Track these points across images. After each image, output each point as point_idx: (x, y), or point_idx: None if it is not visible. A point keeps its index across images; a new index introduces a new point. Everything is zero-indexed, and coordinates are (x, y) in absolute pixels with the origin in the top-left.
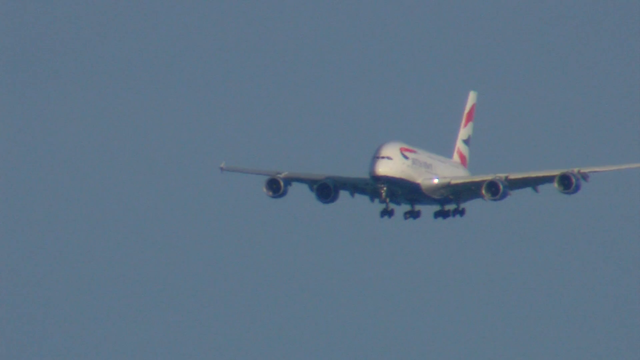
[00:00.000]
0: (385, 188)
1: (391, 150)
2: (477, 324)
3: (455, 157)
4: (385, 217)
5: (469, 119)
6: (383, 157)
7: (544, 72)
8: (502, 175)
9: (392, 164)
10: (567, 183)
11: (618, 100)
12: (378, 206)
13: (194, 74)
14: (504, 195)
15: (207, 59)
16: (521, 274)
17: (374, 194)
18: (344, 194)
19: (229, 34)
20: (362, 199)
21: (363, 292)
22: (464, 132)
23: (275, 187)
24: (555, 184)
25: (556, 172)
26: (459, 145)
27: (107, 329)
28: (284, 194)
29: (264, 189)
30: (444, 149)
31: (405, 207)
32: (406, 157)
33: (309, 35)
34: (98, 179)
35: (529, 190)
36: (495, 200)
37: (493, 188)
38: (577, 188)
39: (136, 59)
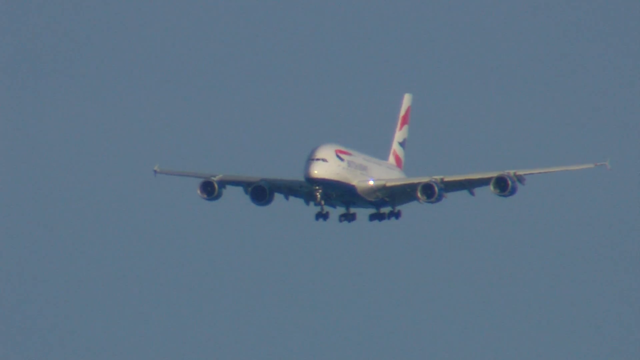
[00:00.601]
0: (320, 190)
1: (326, 152)
2: (410, 325)
3: (391, 159)
4: (320, 220)
5: (404, 121)
6: (318, 159)
7: (480, 74)
8: (438, 177)
9: (327, 166)
10: (503, 185)
11: (555, 102)
12: (313, 209)
13: (124, 75)
14: (440, 197)
15: (138, 61)
16: (456, 276)
17: (309, 197)
18: (279, 197)
19: (159, 35)
20: (297, 202)
21: (298, 294)
22: (399, 134)
23: (210, 189)
24: (491, 187)
25: (492, 174)
26: (395, 147)
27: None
28: (218, 196)
29: (198, 192)
30: (380, 152)
31: (341, 210)
32: (341, 159)
33: (244, 35)
34: (30, 182)
35: (465, 192)
36: (430, 202)
37: (428, 190)
38: (513, 190)
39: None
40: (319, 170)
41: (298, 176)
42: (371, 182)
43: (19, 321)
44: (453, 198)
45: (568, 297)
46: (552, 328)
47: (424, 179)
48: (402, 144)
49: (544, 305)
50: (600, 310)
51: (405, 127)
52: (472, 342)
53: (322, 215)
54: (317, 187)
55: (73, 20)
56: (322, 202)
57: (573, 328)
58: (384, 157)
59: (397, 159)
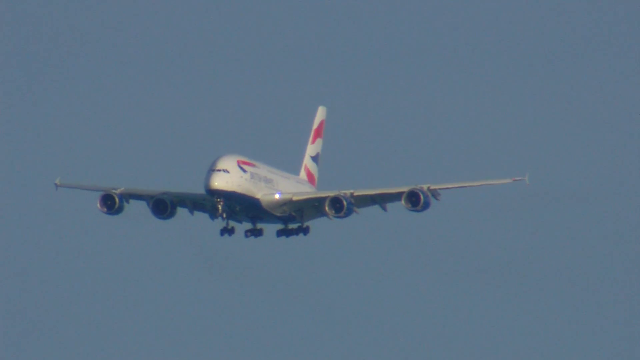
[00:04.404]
0: (222, 203)
1: (228, 162)
2: (316, 343)
3: (302, 174)
4: (226, 235)
5: (317, 134)
6: (219, 170)
7: (398, 86)
8: (347, 191)
9: (229, 177)
10: (415, 200)
11: (474, 114)
12: (219, 224)
13: (28, 84)
14: (349, 212)
15: (42, 67)
16: (365, 292)
17: (214, 211)
18: (184, 212)
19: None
20: (203, 217)
21: (200, 310)
22: (311, 148)
23: (110, 203)
24: (403, 202)
25: (404, 188)
26: (307, 162)
27: None
28: (119, 210)
29: (98, 205)
30: (291, 166)
31: (247, 226)
32: (244, 171)
33: (149, 39)
34: None
35: (377, 208)
36: (339, 217)
37: (337, 204)
38: (426, 205)
39: None
40: (219, 182)
41: (203, 190)
42: (277, 196)
43: None
44: (364, 213)
45: (481, 313)
46: (463, 341)
47: (332, 193)
48: (314, 159)
49: (457, 321)
50: (503, 327)
51: (319, 140)
52: (382, 357)
53: (227, 231)
54: (218, 199)
55: None
56: (224, 216)
57: (477, 340)
58: (295, 172)
59: (309, 174)
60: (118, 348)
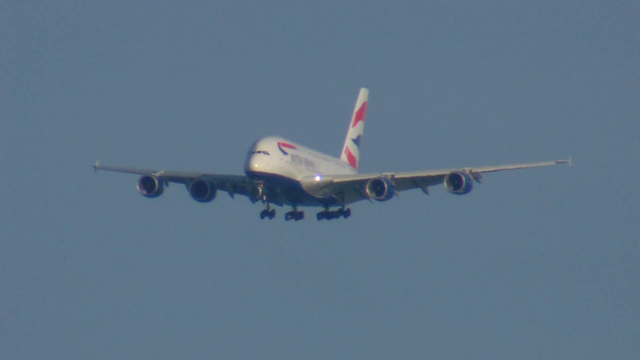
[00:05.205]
0: (262, 185)
1: (268, 144)
2: (359, 327)
3: (344, 157)
4: (266, 218)
5: (359, 117)
6: (259, 152)
7: (439, 68)
8: (389, 174)
9: (269, 159)
10: (457, 183)
11: (516, 99)
12: (259, 207)
13: (64, 72)
14: (390, 195)
15: (77, 56)
16: (406, 276)
17: (254, 194)
18: (224, 195)
19: (89, 32)
20: (243, 200)
21: (241, 293)
22: (353, 131)
23: (150, 185)
24: (445, 184)
25: (446, 171)
26: (348, 144)
27: None
28: (159, 192)
29: (138, 188)
30: (332, 149)
31: (288, 208)
32: (284, 153)
33: (190, 28)
34: None
35: (419, 191)
36: (380, 200)
37: (378, 187)
38: (468, 188)
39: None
40: (259, 164)
41: (243, 172)
42: (317, 178)
43: None
44: (405, 196)
45: (520, 298)
46: (504, 328)
47: (373, 175)
48: (356, 141)
49: (497, 305)
50: (552, 311)
51: (360, 123)
52: (414, 343)
53: (267, 214)
54: (258, 182)
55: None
56: (264, 198)
57: (519, 328)
58: (337, 154)
59: (350, 157)
60: (161, 330)
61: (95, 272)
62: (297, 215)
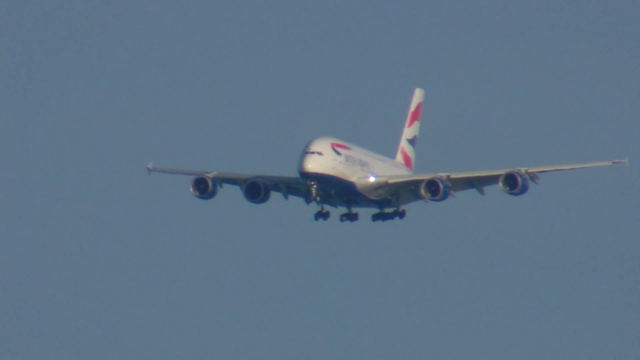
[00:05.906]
0: (315, 186)
1: (322, 145)
2: (414, 328)
3: (399, 157)
4: (320, 220)
5: (414, 118)
6: (313, 153)
7: (495, 69)
8: (444, 174)
9: (323, 159)
10: (513, 183)
11: (570, 99)
12: (313, 209)
13: (116, 72)
14: (445, 195)
15: (130, 57)
16: (462, 278)
17: (308, 195)
18: (278, 197)
19: (152, 33)
20: (297, 201)
21: (295, 295)
22: (408, 131)
23: (203, 187)
24: (501, 184)
25: (501, 171)
26: (403, 145)
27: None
28: (212, 194)
29: (191, 189)
30: (387, 150)
31: (342, 210)
32: (338, 153)
33: (244, 29)
34: (25, 181)
35: (474, 191)
36: (436, 200)
37: (433, 187)
38: (524, 189)
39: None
40: (312, 165)
41: (297, 173)
42: (372, 179)
43: (19, 321)
44: (461, 197)
45: (577, 299)
46: (559, 329)
47: (428, 176)
48: (411, 142)
49: (551, 307)
50: (612, 311)
51: (416, 123)
52: (476, 344)
53: (322, 215)
54: (312, 183)
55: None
56: (318, 199)
57: (580, 329)
58: (392, 155)
59: (406, 157)
60: (219, 331)
61: (151, 274)
62: (352, 217)
